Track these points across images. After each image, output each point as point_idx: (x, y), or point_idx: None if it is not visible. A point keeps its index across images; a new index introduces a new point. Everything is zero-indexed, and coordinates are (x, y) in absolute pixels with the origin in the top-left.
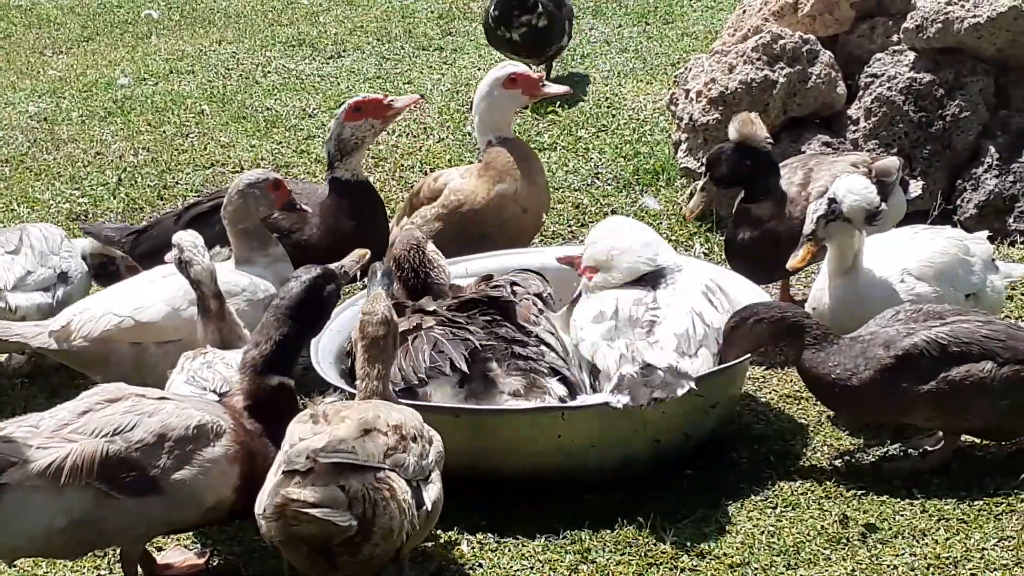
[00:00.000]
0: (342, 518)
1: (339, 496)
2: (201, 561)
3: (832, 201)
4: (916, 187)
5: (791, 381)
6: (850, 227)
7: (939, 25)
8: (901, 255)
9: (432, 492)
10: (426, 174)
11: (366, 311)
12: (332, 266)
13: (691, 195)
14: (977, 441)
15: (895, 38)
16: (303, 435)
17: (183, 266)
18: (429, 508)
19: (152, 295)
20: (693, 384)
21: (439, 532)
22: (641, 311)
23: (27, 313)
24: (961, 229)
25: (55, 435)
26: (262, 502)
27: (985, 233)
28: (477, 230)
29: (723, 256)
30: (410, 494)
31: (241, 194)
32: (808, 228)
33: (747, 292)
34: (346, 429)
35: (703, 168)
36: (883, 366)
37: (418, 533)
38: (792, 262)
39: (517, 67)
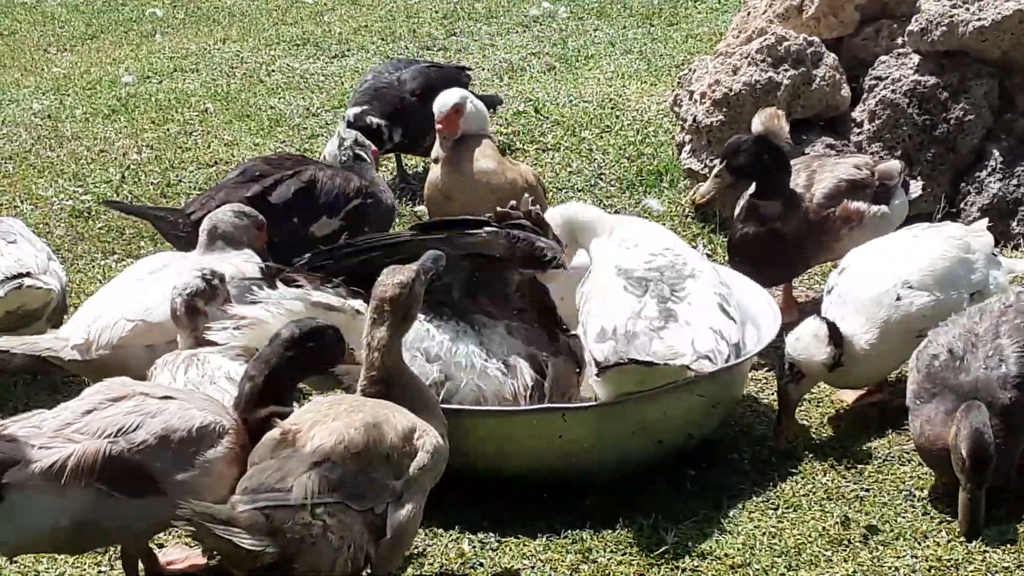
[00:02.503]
0: (252, 542)
1: (257, 520)
2: (202, 560)
3: (791, 365)
4: (916, 187)
5: None
6: (814, 379)
7: (944, 28)
8: (901, 265)
9: (400, 516)
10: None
11: (386, 273)
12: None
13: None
14: None
15: (900, 41)
16: (260, 457)
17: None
18: (392, 534)
19: (155, 295)
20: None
21: (440, 531)
22: (644, 325)
23: (57, 296)
24: (980, 223)
25: (58, 435)
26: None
27: (984, 222)
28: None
29: (725, 257)
30: (361, 525)
31: (239, 215)
32: (780, 391)
33: (750, 293)
34: (296, 461)
35: (720, 158)
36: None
37: (385, 557)
38: (777, 440)
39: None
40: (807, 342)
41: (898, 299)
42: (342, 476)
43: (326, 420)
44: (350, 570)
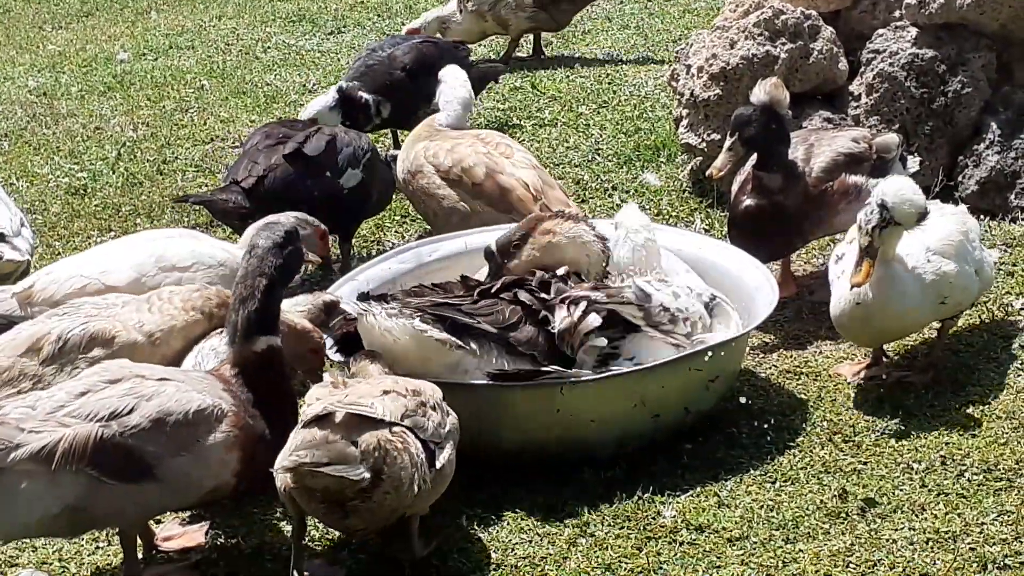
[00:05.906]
0: (354, 472)
1: (350, 452)
2: (200, 535)
3: (883, 208)
4: (914, 163)
5: (791, 356)
6: (901, 230)
7: (941, 0)
8: (921, 234)
9: (445, 456)
10: None
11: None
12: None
13: (689, 170)
14: (976, 416)
15: (897, 14)
16: (320, 395)
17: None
18: (441, 467)
19: (122, 260)
20: None
21: (440, 505)
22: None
23: (31, 256)
24: (962, 205)
25: (50, 418)
26: (280, 459)
27: (964, 207)
28: None
29: (724, 233)
30: (422, 451)
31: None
32: (864, 241)
33: (747, 268)
34: (365, 389)
35: (731, 130)
36: None
37: (427, 493)
38: (856, 279)
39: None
40: (901, 186)
41: (928, 261)
42: (406, 406)
43: (369, 379)
44: (415, 492)
